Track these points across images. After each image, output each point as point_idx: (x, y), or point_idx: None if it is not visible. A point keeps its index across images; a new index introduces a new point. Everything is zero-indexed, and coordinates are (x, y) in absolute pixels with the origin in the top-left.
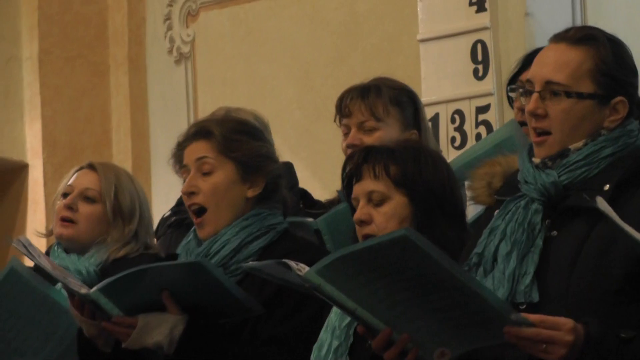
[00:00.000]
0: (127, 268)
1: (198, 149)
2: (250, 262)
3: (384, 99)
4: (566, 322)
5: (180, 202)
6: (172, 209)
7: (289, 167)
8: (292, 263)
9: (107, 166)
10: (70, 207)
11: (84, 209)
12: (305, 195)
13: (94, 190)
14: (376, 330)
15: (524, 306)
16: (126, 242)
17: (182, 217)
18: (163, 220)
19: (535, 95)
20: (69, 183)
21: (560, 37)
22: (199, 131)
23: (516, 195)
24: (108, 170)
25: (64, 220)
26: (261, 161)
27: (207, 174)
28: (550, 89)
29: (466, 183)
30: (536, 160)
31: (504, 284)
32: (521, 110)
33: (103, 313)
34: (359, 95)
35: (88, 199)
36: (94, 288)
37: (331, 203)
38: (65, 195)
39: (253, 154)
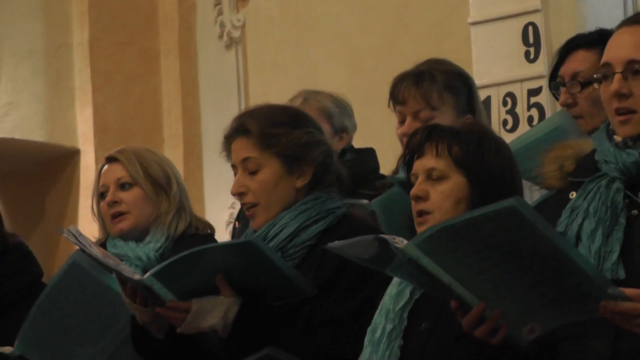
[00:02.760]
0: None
1: (241, 148)
2: (335, 242)
3: (438, 86)
4: None
5: None
6: None
7: (371, 152)
8: (388, 237)
9: (123, 150)
10: (115, 202)
11: (127, 196)
12: (383, 179)
13: (126, 176)
14: (469, 306)
15: None
16: (177, 210)
17: None
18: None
19: (618, 76)
20: (101, 183)
21: (633, 21)
22: (238, 128)
23: (596, 175)
24: (126, 153)
25: (116, 216)
26: (304, 150)
27: (253, 172)
28: (633, 69)
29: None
30: (617, 138)
31: (590, 261)
32: (565, 105)
33: (157, 299)
34: (413, 83)
35: (124, 186)
36: (147, 274)
37: (383, 186)
38: (102, 195)
39: (295, 145)
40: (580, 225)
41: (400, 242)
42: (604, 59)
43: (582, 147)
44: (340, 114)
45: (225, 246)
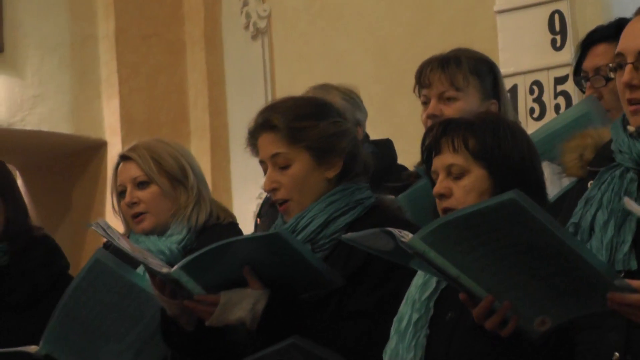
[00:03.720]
0: (207, 243)
1: (269, 144)
2: (349, 234)
3: (463, 69)
4: None
5: None
6: None
7: (390, 144)
8: (395, 231)
9: (136, 147)
10: (134, 203)
11: (145, 195)
12: (404, 170)
13: (141, 175)
14: (478, 298)
15: (622, 274)
16: (196, 201)
17: None
18: (267, 199)
19: (629, 67)
20: (118, 183)
21: None
22: (264, 123)
23: (611, 165)
24: (139, 150)
25: (136, 216)
26: (333, 141)
27: (284, 167)
28: None
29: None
30: (631, 129)
31: (602, 252)
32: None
33: (185, 292)
34: (438, 65)
35: (142, 184)
36: (175, 267)
37: (409, 177)
38: (121, 194)
39: (323, 137)
40: (594, 216)
41: (406, 235)
42: (617, 49)
43: (601, 136)
44: (351, 108)
45: (252, 239)
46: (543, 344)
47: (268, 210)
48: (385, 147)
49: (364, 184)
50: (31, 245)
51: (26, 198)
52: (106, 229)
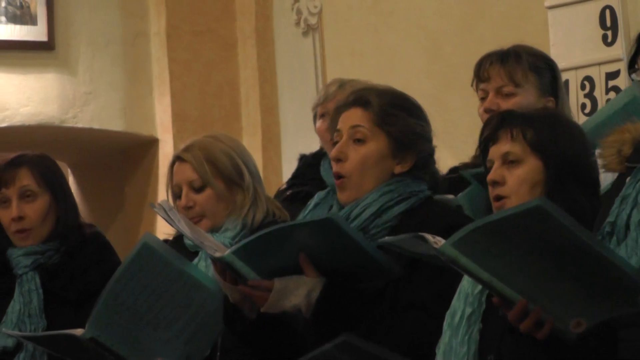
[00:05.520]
0: None
1: (354, 116)
2: (386, 237)
3: (523, 65)
4: None
5: (296, 175)
6: (288, 182)
7: None
8: (428, 236)
9: (191, 148)
10: (190, 207)
11: (200, 198)
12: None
13: (197, 180)
14: (512, 302)
15: None
16: (252, 201)
17: (298, 190)
18: (280, 192)
19: None
20: (174, 183)
21: None
22: (358, 99)
23: None
24: (193, 151)
25: (193, 219)
26: (415, 138)
27: (359, 141)
28: None
29: (596, 151)
30: None
31: (637, 251)
32: None
33: (240, 277)
34: (498, 60)
35: (198, 189)
36: (228, 251)
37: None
38: (177, 196)
39: (407, 131)
40: (629, 215)
41: (439, 241)
42: None
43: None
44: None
45: (305, 224)
46: (584, 342)
47: (282, 203)
48: None
49: (421, 180)
50: (82, 243)
51: (78, 196)
52: (168, 210)
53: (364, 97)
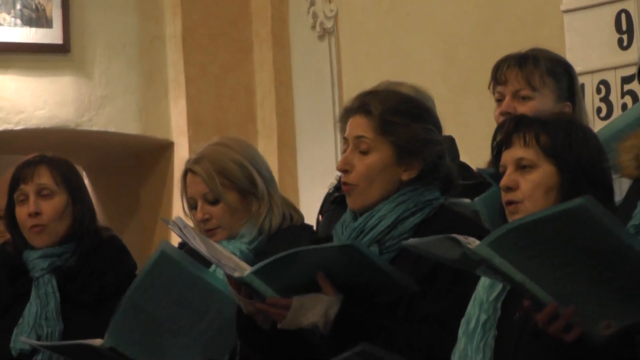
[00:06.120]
0: (280, 245)
1: (358, 126)
2: (410, 240)
3: (540, 69)
4: None
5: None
6: (335, 186)
7: (450, 141)
8: (460, 237)
9: (200, 159)
10: (206, 220)
11: (216, 211)
12: (465, 168)
13: (209, 193)
14: (542, 304)
15: None
16: (269, 208)
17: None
18: (327, 196)
19: None
20: (189, 195)
21: None
22: (360, 106)
23: None
24: (203, 164)
25: (209, 230)
26: (419, 146)
27: (363, 152)
28: None
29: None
30: None
31: None
32: None
33: (258, 295)
34: (516, 63)
35: (212, 202)
36: (247, 272)
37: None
38: (192, 207)
39: (411, 138)
40: None
41: (473, 242)
42: None
43: None
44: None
45: (326, 249)
46: (607, 346)
47: (329, 207)
48: (450, 143)
49: (434, 186)
50: (99, 246)
51: (94, 198)
52: (182, 228)
53: (365, 104)
